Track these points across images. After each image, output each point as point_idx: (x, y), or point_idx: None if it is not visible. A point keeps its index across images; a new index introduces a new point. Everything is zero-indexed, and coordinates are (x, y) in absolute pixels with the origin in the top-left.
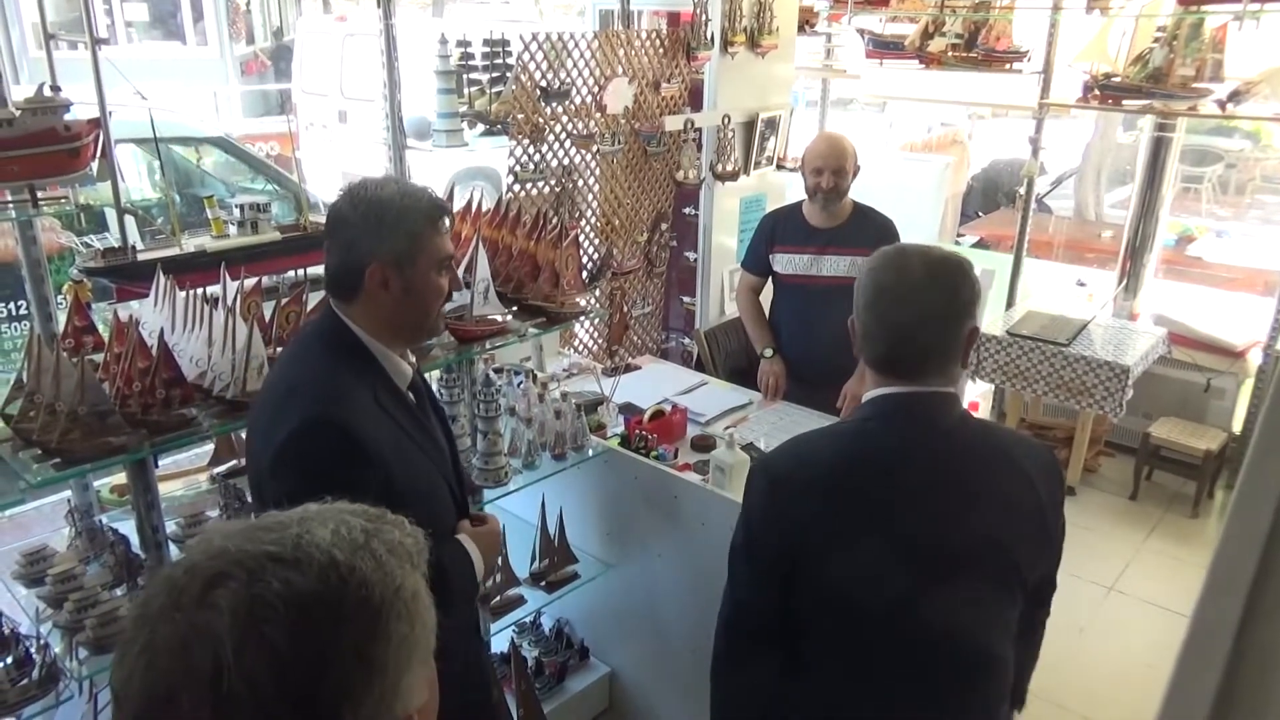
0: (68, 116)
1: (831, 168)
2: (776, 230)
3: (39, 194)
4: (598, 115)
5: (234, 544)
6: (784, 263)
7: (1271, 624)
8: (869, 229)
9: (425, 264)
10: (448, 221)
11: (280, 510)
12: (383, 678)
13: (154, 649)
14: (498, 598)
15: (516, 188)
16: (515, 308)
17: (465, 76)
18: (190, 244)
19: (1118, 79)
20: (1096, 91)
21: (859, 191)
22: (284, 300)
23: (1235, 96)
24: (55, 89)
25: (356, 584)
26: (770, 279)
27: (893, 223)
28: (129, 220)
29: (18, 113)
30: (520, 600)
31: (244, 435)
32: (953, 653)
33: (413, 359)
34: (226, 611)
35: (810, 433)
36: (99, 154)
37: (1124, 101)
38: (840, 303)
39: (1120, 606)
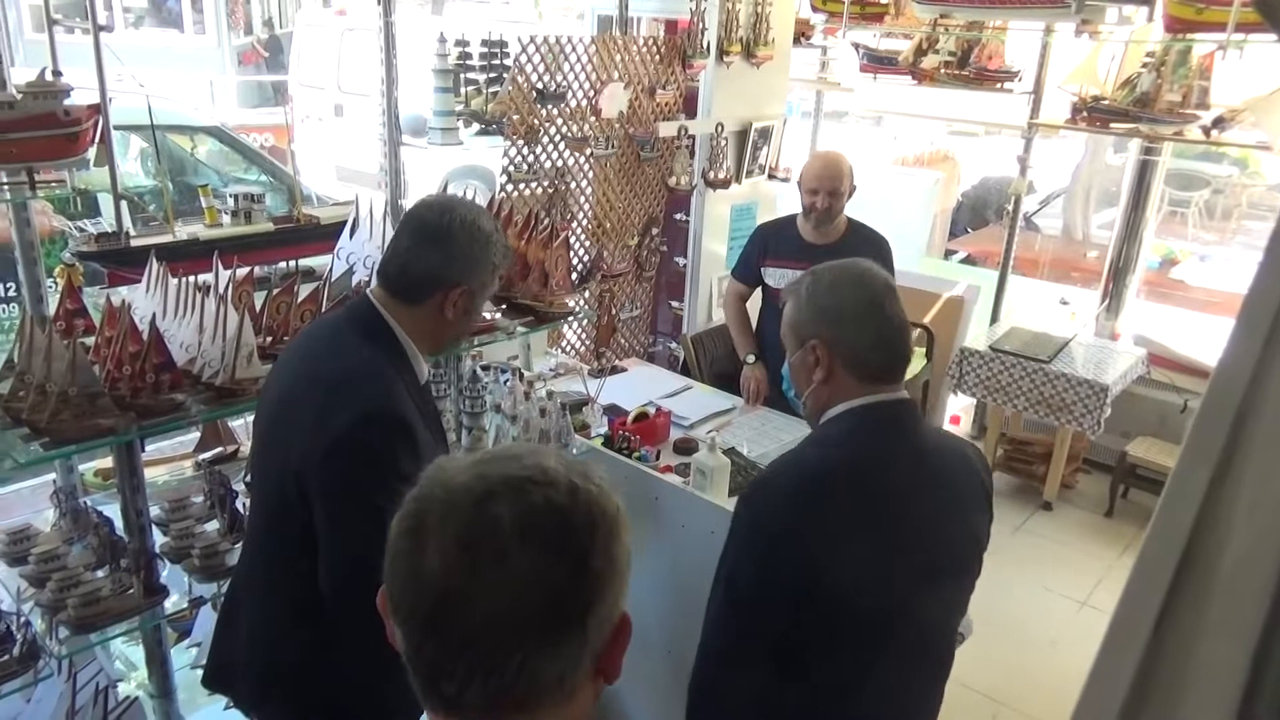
0: (68, 101)
1: (827, 189)
2: (769, 243)
3: (35, 177)
4: (593, 119)
5: (487, 470)
6: (776, 276)
7: (1190, 615)
8: (863, 248)
9: (486, 294)
10: None
11: (340, 497)
12: (618, 574)
13: (442, 552)
14: None
15: (510, 187)
16: (504, 306)
17: (462, 75)
18: (183, 232)
19: (1106, 102)
20: (1084, 113)
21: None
22: (275, 291)
23: (1220, 123)
24: (57, 74)
25: (595, 500)
26: (760, 288)
27: (887, 241)
28: (122, 206)
29: (19, 95)
30: None
31: (258, 414)
32: (935, 646)
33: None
34: (506, 519)
35: (793, 453)
36: (97, 139)
37: (1111, 124)
38: None
39: (1092, 621)
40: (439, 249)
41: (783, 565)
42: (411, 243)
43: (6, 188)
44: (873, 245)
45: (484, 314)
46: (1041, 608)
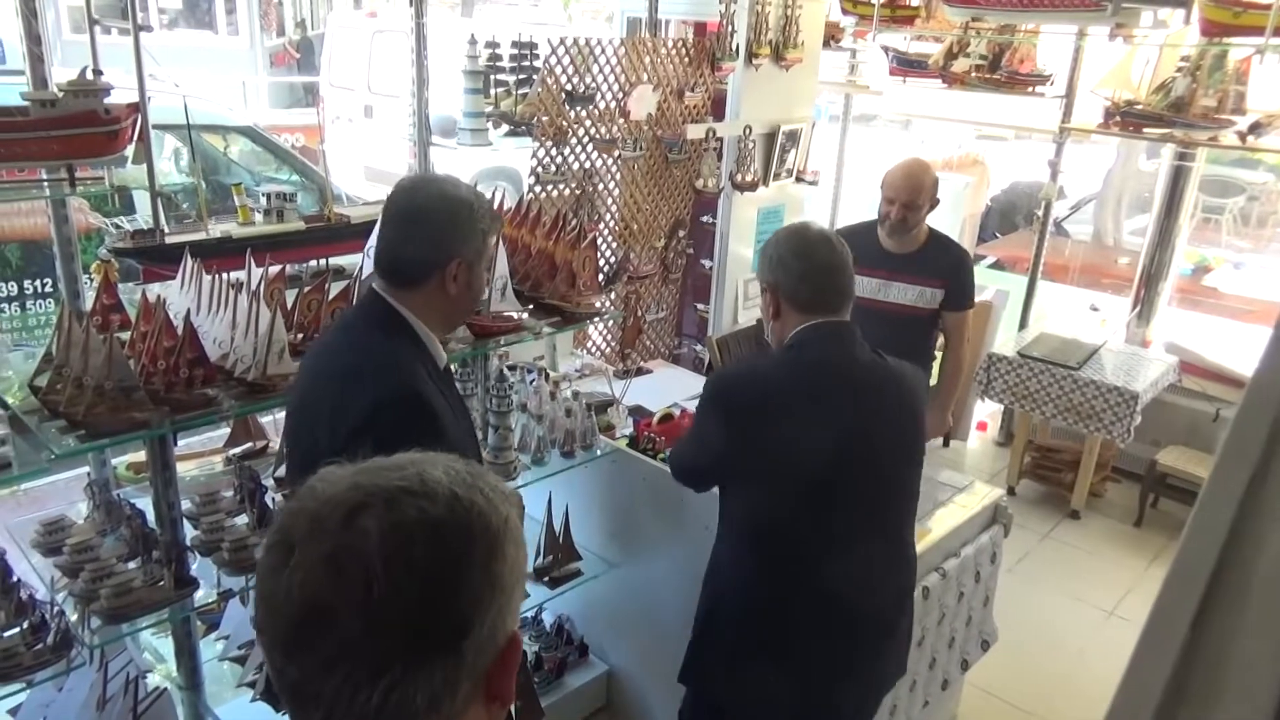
0: (108, 100)
1: (902, 200)
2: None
3: (75, 174)
4: (621, 120)
5: (364, 480)
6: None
7: (1228, 615)
8: (944, 262)
9: (484, 261)
10: None
11: None
12: (501, 592)
13: (306, 567)
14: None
15: (538, 188)
16: (531, 306)
17: (492, 77)
18: (217, 230)
19: (1139, 106)
20: (1117, 118)
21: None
22: (306, 288)
23: (1256, 129)
24: (97, 73)
25: (477, 513)
26: None
27: (968, 255)
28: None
29: (61, 94)
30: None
31: (286, 421)
32: (881, 521)
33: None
34: (374, 534)
35: (754, 357)
36: (136, 138)
37: (1145, 129)
38: (901, 329)
39: (1120, 631)
40: (421, 229)
41: (719, 428)
42: (394, 230)
43: (47, 184)
44: (951, 257)
45: (513, 314)
46: (1069, 617)
